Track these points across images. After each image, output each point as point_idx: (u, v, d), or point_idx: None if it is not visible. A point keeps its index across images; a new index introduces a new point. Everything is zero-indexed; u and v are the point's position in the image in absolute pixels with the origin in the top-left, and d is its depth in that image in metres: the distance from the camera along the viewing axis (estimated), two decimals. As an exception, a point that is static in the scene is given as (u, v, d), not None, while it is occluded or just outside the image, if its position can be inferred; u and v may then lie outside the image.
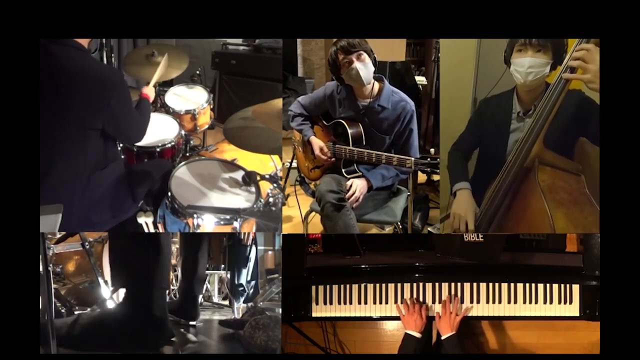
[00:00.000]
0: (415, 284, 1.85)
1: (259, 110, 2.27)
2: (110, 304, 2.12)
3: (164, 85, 3.13)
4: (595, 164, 1.65)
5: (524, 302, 1.81)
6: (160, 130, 2.64)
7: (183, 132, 2.75)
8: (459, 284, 1.83)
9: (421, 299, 1.84)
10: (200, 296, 2.32)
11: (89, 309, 2.12)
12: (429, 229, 2.92)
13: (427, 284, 1.85)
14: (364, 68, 2.05)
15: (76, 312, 2.07)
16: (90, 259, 2.19)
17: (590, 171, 1.71)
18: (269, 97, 2.32)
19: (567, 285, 1.79)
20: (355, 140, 2.17)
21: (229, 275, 2.48)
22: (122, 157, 2.43)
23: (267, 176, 2.13)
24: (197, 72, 3.33)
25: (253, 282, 2.51)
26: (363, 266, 1.87)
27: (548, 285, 1.80)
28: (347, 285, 1.87)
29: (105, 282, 2.17)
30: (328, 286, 1.87)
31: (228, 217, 1.99)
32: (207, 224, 1.99)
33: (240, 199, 2.09)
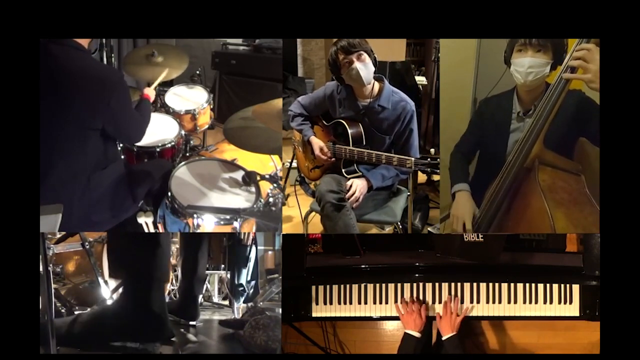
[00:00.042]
0: (415, 284, 1.85)
1: (259, 110, 2.27)
2: (110, 303, 2.12)
3: (164, 85, 3.12)
4: (595, 164, 1.65)
5: (524, 302, 1.81)
6: (160, 130, 2.64)
7: (183, 132, 2.75)
8: (459, 284, 1.83)
9: (421, 299, 1.84)
10: (200, 296, 2.33)
11: (89, 309, 2.11)
12: (429, 229, 2.92)
13: (427, 284, 1.85)
14: (364, 68, 2.05)
15: (76, 312, 2.07)
16: (90, 259, 2.18)
17: (590, 171, 1.71)
18: (269, 97, 2.32)
19: (567, 285, 1.79)
20: (355, 140, 2.17)
21: (229, 275, 2.48)
22: (122, 157, 2.43)
23: (267, 176, 2.13)
24: (197, 72, 3.33)
25: (253, 282, 2.51)
26: (363, 266, 1.87)
27: (548, 285, 1.80)
28: (347, 285, 1.87)
29: (105, 282, 2.16)
30: (328, 286, 1.87)
31: (228, 217, 1.99)
32: (207, 224, 1.99)
33: (240, 199, 2.09)
